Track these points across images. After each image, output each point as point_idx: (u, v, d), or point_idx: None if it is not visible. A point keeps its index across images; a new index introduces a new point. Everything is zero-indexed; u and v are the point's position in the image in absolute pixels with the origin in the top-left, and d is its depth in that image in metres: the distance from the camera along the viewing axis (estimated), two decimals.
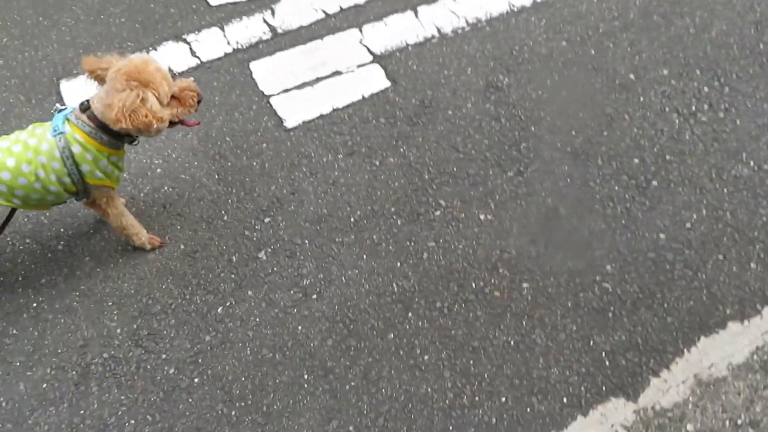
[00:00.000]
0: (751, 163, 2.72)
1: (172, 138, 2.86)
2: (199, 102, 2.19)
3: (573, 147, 2.82)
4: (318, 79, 3.09)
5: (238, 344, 2.28)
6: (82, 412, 2.13)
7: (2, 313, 2.35)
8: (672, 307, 2.36)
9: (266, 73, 3.12)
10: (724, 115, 2.89)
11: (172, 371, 2.22)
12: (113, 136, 2.07)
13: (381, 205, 2.66)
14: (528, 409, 2.14)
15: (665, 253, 2.49)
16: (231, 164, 2.79)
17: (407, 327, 2.33)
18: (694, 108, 2.93)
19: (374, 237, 2.56)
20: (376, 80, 3.09)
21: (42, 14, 3.37)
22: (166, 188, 2.70)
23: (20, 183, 2.04)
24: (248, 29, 3.28)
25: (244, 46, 3.23)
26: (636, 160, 2.76)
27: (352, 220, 2.61)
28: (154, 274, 2.46)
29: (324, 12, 3.37)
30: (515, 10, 3.37)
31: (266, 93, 3.04)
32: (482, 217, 2.61)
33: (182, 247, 2.53)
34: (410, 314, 2.36)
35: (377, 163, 2.79)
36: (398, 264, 2.49)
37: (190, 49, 3.21)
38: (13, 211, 2.26)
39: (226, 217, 2.62)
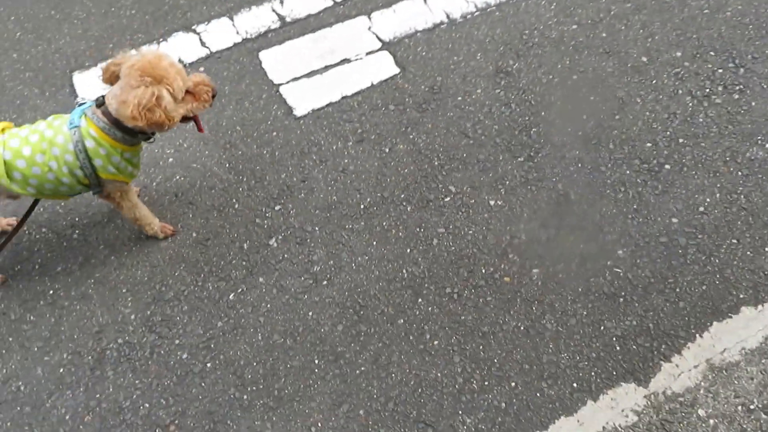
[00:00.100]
0: (767, 146, 2.68)
1: (183, 128, 2.88)
2: (213, 96, 2.18)
3: (584, 131, 2.80)
4: (327, 67, 3.09)
5: (250, 330, 2.31)
6: (98, 395, 2.17)
7: (20, 300, 2.40)
8: (684, 292, 2.34)
9: (275, 62, 3.13)
10: (738, 97, 2.85)
11: (185, 356, 2.26)
12: (127, 133, 2.09)
13: (391, 191, 2.66)
14: (538, 394, 2.14)
15: (678, 238, 2.47)
16: (241, 153, 2.81)
17: (417, 312, 2.33)
18: (708, 90, 2.88)
19: (384, 223, 2.57)
20: (385, 67, 3.08)
21: (54, 8, 3.41)
22: (177, 177, 2.73)
23: (34, 172, 2.07)
24: (257, 19, 3.29)
25: (253, 36, 3.24)
26: (648, 144, 2.73)
27: (362, 206, 2.62)
28: (166, 261, 2.49)
29: (332, 0, 3.37)
30: None
31: (276, 82, 3.05)
32: (492, 202, 2.61)
33: (194, 234, 2.56)
34: (420, 300, 2.36)
35: (387, 150, 2.79)
36: (408, 250, 2.49)
37: (200, 39, 3.23)
38: (36, 201, 2.30)
39: (237, 205, 2.64)
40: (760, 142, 2.70)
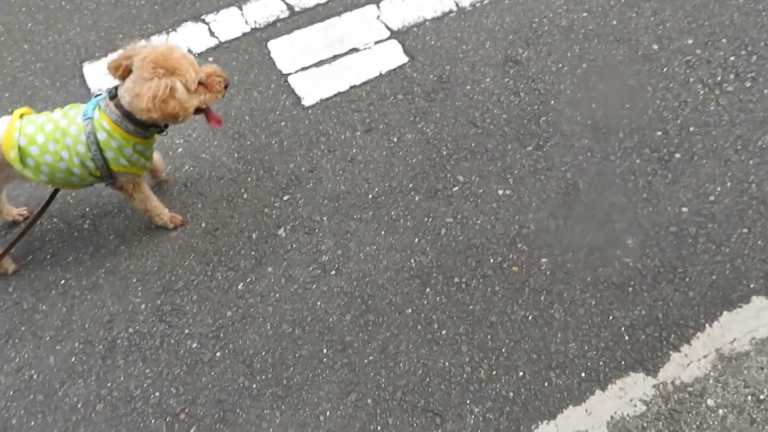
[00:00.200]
0: None
1: (192, 118, 2.88)
2: (226, 87, 2.18)
3: (593, 120, 2.78)
4: (335, 57, 3.08)
5: (259, 319, 2.33)
6: (109, 384, 2.20)
7: (32, 290, 2.42)
8: (694, 282, 2.32)
9: (284, 51, 3.12)
10: (751, 85, 2.81)
11: (194, 345, 2.28)
12: (139, 126, 2.09)
13: (399, 181, 2.66)
14: (546, 384, 2.14)
15: (688, 227, 2.45)
16: (250, 143, 2.81)
17: (425, 302, 2.34)
18: (719, 78, 2.85)
19: (392, 213, 2.57)
20: (394, 56, 3.07)
21: None
22: (186, 167, 2.74)
23: (46, 160, 2.09)
24: (266, 8, 3.28)
25: (262, 26, 3.23)
26: (659, 133, 2.71)
27: (370, 196, 2.62)
28: (176, 251, 2.51)
29: None
30: None
31: (284, 72, 3.05)
32: (501, 192, 2.60)
33: (203, 225, 2.58)
34: (428, 289, 2.37)
35: (395, 139, 2.79)
36: (416, 240, 2.50)
37: (209, 29, 3.23)
38: (55, 191, 2.33)
39: (245, 195, 2.65)
40: None
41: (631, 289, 2.32)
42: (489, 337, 2.25)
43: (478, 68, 3.00)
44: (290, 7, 3.28)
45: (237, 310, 2.35)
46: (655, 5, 3.14)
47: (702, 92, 2.81)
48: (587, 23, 3.12)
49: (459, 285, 2.37)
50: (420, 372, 2.18)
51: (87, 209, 2.63)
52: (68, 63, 3.13)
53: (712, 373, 2.13)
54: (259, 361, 2.23)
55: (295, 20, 3.24)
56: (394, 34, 3.15)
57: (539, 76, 2.94)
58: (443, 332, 2.27)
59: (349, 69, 3.04)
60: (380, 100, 2.92)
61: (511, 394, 2.12)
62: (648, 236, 2.44)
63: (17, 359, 2.27)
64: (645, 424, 2.04)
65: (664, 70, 2.91)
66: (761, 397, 2.07)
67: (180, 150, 2.80)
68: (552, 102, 2.85)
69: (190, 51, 3.12)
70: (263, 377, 2.20)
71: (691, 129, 2.70)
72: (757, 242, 2.39)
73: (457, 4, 3.24)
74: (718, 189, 2.53)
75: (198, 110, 2.17)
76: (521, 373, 2.16)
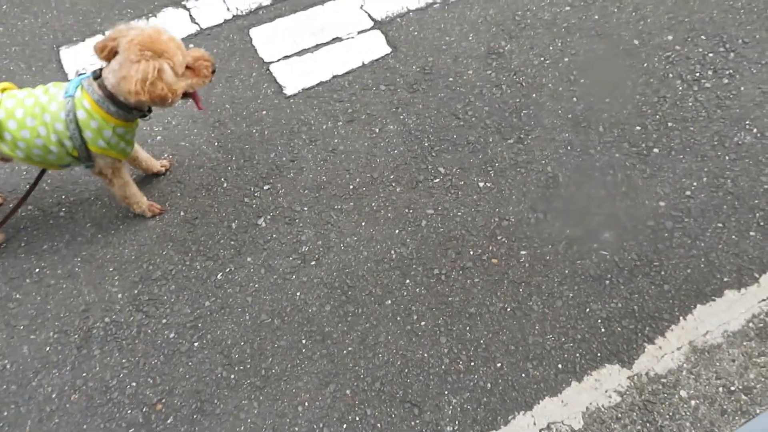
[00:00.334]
0: (755, 131, 2.69)
1: (166, 109, 2.85)
2: (213, 72, 2.16)
3: (574, 114, 2.79)
4: (318, 46, 3.06)
5: (238, 309, 2.31)
6: (84, 374, 2.17)
7: (6, 278, 2.38)
8: (669, 275, 2.36)
9: (266, 39, 3.09)
10: (728, 82, 2.85)
11: (172, 335, 2.26)
12: (120, 107, 2.06)
13: (380, 172, 2.66)
14: (523, 375, 2.16)
15: (664, 221, 2.48)
16: (231, 131, 2.79)
17: (405, 293, 2.34)
18: (698, 74, 2.89)
19: (373, 204, 2.57)
20: (377, 47, 3.06)
21: None
22: (166, 155, 2.71)
23: (23, 135, 2.05)
24: None
25: (244, 13, 3.20)
26: (638, 128, 2.74)
27: (351, 187, 2.62)
28: (154, 240, 2.48)
29: None
30: None
31: (266, 60, 3.02)
32: (481, 184, 2.61)
33: (182, 213, 2.55)
34: (408, 281, 2.37)
35: (377, 130, 2.78)
36: (397, 231, 2.50)
37: (190, 15, 3.19)
38: (42, 172, 2.30)
39: (225, 184, 2.63)
40: (748, 126, 2.71)
41: (608, 281, 2.35)
42: (467, 328, 2.26)
43: (460, 60, 2.99)
44: None
45: (215, 300, 2.34)
46: (637, 0, 3.16)
47: (681, 88, 2.85)
48: (569, 17, 3.13)
49: (439, 276, 2.38)
50: (399, 363, 2.19)
51: (63, 196, 2.59)
52: (45, 47, 3.07)
53: (685, 365, 2.17)
54: (238, 352, 2.22)
55: (277, 8, 3.21)
56: (377, 24, 3.14)
57: (521, 69, 2.95)
58: (422, 323, 2.27)
59: (332, 58, 3.02)
60: (362, 90, 2.91)
61: (489, 385, 2.14)
62: (625, 230, 2.47)
63: None
64: (619, 415, 2.07)
65: (645, 65, 2.93)
66: (732, 388, 2.11)
67: (159, 138, 2.77)
68: (533, 95, 2.86)
69: None
70: (241, 368, 2.19)
71: (670, 124, 2.74)
72: (731, 237, 2.43)
73: None
74: (695, 184, 2.57)
75: (185, 95, 2.14)
76: (499, 365, 2.18)
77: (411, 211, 2.55)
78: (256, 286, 2.37)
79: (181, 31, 3.11)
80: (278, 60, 3.02)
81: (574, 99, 2.84)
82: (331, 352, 2.22)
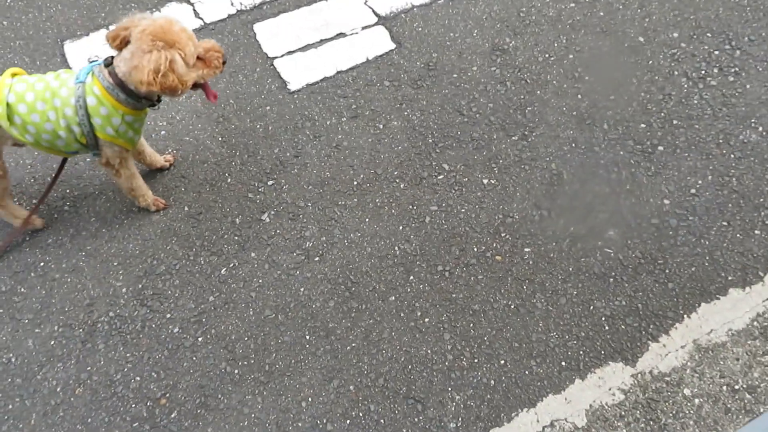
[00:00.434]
0: (760, 129, 2.68)
1: (176, 100, 2.85)
2: (224, 63, 2.16)
3: (579, 111, 2.79)
4: (322, 41, 3.05)
5: (242, 305, 2.32)
6: (89, 368, 2.18)
7: (11, 272, 2.39)
8: (673, 273, 2.36)
9: (270, 35, 3.08)
10: (734, 79, 2.84)
11: (176, 330, 2.26)
12: (130, 96, 2.07)
13: (384, 168, 2.65)
14: (526, 372, 2.16)
15: (669, 219, 2.48)
16: (235, 127, 2.78)
17: (408, 290, 2.34)
18: (703, 72, 2.88)
19: (377, 200, 2.57)
20: (381, 42, 3.05)
21: None
22: (170, 150, 2.71)
23: (33, 119, 2.06)
24: None
25: (248, 8, 3.19)
26: (642, 125, 2.73)
27: (355, 183, 2.61)
28: (158, 235, 2.48)
29: None
30: None
31: (270, 55, 3.02)
32: (485, 181, 2.61)
33: (186, 208, 2.55)
34: (411, 277, 2.37)
35: (381, 126, 2.78)
36: (400, 227, 2.50)
37: (194, 10, 3.18)
38: (64, 160, 2.32)
39: (229, 180, 2.63)
40: (753, 125, 2.70)
41: (612, 279, 2.35)
42: (471, 325, 2.26)
43: (465, 56, 2.99)
44: None
45: (219, 295, 2.34)
46: None
47: (686, 86, 2.84)
48: (574, 14, 3.12)
49: (442, 273, 2.38)
50: (402, 359, 2.19)
51: (67, 191, 2.59)
52: (49, 41, 3.07)
53: (689, 363, 2.17)
54: (242, 347, 2.23)
55: (281, 3, 3.20)
56: (382, 20, 3.13)
57: (526, 65, 2.95)
58: (426, 320, 2.28)
59: (336, 54, 3.01)
60: (366, 86, 2.90)
61: (492, 382, 2.14)
62: (630, 227, 2.46)
63: None
64: (623, 413, 2.07)
65: (650, 62, 2.92)
66: (736, 387, 2.11)
67: (163, 132, 2.77)
68: (538, 92, 2.86)
69: None
70: (245, 363, 2.19)
71: (675, 122, 2.73)
72: (735, 235, 2.43)
73: None
74: (700, 182, 2.56)
75: (195, 86, 2.14)
76: (502, 362, 2.18)
77: (415, 207, 2.55)
78: (260, 281, 2.37)
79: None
80: (282, 55, 3.02)
81: (579, 96, 2.84)
82: (334, 348, 2.22)
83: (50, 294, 2.34)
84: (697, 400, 2.09)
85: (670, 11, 3.10)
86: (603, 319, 2.26)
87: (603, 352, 2.20)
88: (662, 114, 2.76)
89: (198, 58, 2.06)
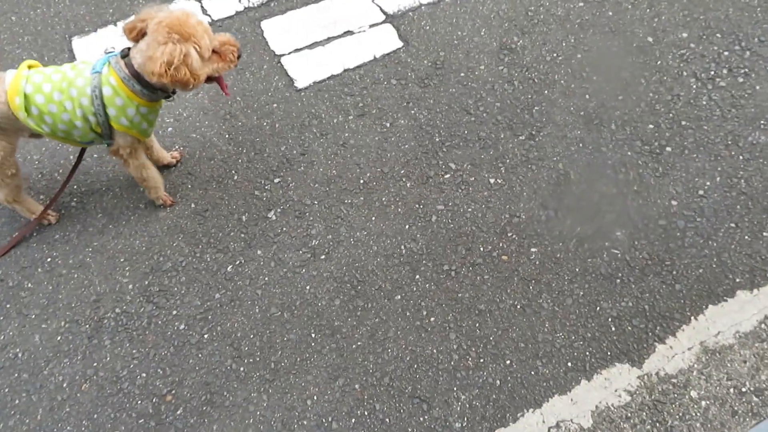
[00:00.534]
0: None
1: (183, 97, 2.85)
2: (239, 57, 2.16)
3: (586, 111, 2.78)
4: (329, 39, 3.05)
5: (247, 302, 2.32)
6: (95, 364, 2.18)
7: (18, 268, 2.39)
8: (681, 275, 2.35)
9: (277, 32, 3.08)
10: (743, 80, 2.83)
11: (182, 327, 2.26)
12: (146, 87, 2.08)
13: (391, 167, 2.65)
14: (532, 372, 2.16)
15: (676, 220, 2.47)
16: (241, 124, 2.78)
17: (414, 289, 2.34)
18: (712, 73, 2.86)
19: (383, 199, 2.56)
20: (388, 41, 3.04)
21: None
22: (177, 147, 2.71)
23: (50, 110, 2.07)
24: None
25: (256, 5, 3.19)
26: (650, 126, 2.72)
27: (362, 181, 2.61)
28: (165, 231, 2.48)
29: None
30: None
31: (277, 52, 3.01)
32: (492, 180, 2.60)
33: (193, 205, 2.55)
34: (417, 276, 2.37)
35: (388, 124, 2.77)
36: (407, 226, 2.49)
37: (202, 7, 3.18)
38: (82, 151, 2.35)
39: (236, 177, 2.63)
40: (762, 126, 2.68)
41: (618, 280, 2.34)
42: (477, 325, 2.26)
43: (472, 55, 2.98)
44: None
45: (225, 292, 2.34)
46: None
47: (695, 86, 2.82)
48: (583, 13, 3.11)
49: (448, 272, 2.37)
50: (408, 358, 2.19)
51: (75, 187, 2.60)
52: (57, 37, 3.07)
53: (696, 365, 2.16)
54: (247, 344, 2.23)
55: (289, 0, 3.20)
56: (389, 18, 3.12)
57: (534, 65, 2.94)
58: (432, 319, 2.27)
59: (343, 52, 3.01)
60: (374, 84, 2.90)
61: (498, 382, 2.14)
62: (637, 228, 2.45)
63: (2, 337, 2.24)
64: (629, 414, 2.07)
65: (658, 63, 2.91)
66: (743, 389, 2.10)
67: (170, 129, 2.77)
68: (546, 92, 2.85)
69: None
70: (251, 360, 2.19)
71: (683, 123, 2.72)
72: (743, 237, 2.41)
73: None
74: (708, 183, 2.55)
75: (209, 79, 2.15)
76: (508, 362, 2.18)
77: (421, 206, 2.54)
78: (266, 279, 2.37)
79: None
80: (290, 53, 3.01)
81: (587, 96, 2.82)
82: (340, 347, 2.22)
83: (57, 290, 2.34)
84: (703, 403, 2.08)
85: (679, 11, 3.08)
86: (609, 320, 2.25)
87: (609, 353, 2.19)
88: (670, 115, 2.74)
89: (213, 51, 2.07)
